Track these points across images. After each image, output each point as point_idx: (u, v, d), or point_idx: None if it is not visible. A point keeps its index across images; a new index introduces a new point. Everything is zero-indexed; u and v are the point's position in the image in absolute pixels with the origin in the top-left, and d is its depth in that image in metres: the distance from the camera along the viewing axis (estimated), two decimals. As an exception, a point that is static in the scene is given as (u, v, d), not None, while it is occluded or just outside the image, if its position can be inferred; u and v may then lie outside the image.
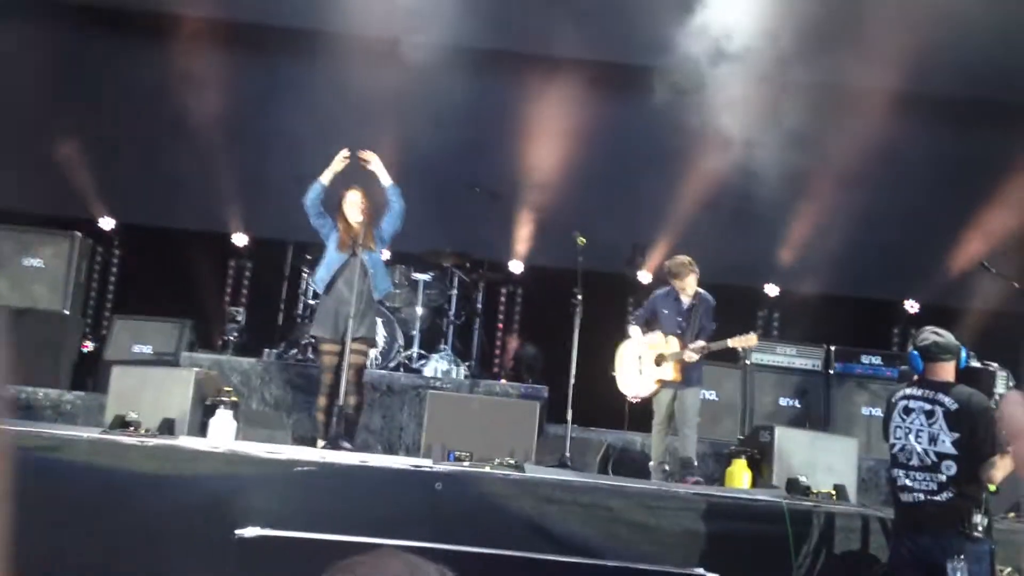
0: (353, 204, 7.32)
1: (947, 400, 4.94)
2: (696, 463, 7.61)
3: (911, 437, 4.99)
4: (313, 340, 7.92)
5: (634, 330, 7.91)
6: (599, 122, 10.50)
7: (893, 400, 5.19)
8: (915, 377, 5.21)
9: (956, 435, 4.87)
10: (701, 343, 7.56)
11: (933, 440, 4.92)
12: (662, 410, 7.68)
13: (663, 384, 7.64)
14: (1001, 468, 4.88)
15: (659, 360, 7.67)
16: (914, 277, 11.30)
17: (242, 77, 11.24)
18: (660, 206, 10.87)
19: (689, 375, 7.65)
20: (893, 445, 5.12)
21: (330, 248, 7.39)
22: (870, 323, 11.32)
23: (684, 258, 7.79)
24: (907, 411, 5.05)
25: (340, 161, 7.38)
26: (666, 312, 7.76)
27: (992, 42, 9.72)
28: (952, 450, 4.87)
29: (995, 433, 4.88)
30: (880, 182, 10.99)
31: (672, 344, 7.65)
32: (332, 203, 7.46)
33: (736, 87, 9.27)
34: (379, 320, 8.62)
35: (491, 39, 10.92)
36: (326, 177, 7.36)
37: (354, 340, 7.18)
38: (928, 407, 4.98)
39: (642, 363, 7.76)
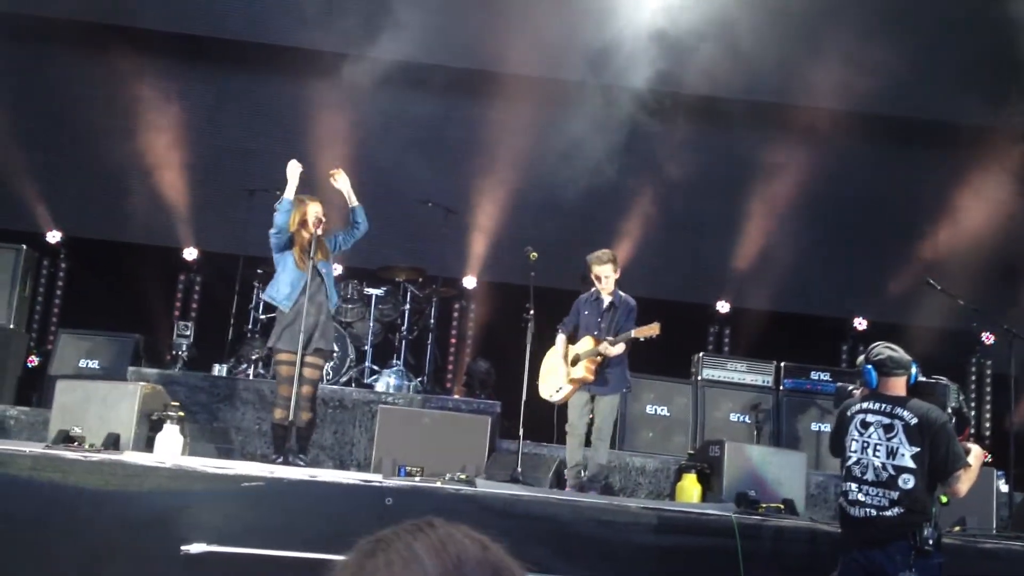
0: (315, 216, 7.23)
1: (906, 414, 4.94)
2: (607, 475, 7.55)
3: (868, 451, 4.99)
4: (270, 351, 7.72)
5: (561, 338, 7.68)
6: (552, 139, 10.55)
7: (848, 413, 5.16)
8: (864, 391, 5.22)
9: (916, 449, 4.88)
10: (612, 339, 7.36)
11: (892, 454, 4.92)
12: (575, 412, 7.48)
13: (578, 384, 7.44)
14: (966, 481, 4.94)
15: (574, 360, 7.49)
16: (862, 295, 11.47)
17: (193, 90, 11.19)
18: (613, 223, 10.94)
19: (605, 378, 7.44)
20: (848, 458, 5.09)
21: (289, 265, 7.20)
22: (819, 340, 11.44)
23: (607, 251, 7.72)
24: (864, 425, 5.04)
25: (294, 173, 7.25)
26: (586, 313, 7.62)
27: (938, 66, 9.95)
28: (911, 464, 4.88)
29: (956, 447, 4.91)
30: (828, 201, 11.17)
31: (585, 343, 7.48)
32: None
33: (678, 107, 9.37)
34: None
35: (446, 57, 10.95)
36: (290, 192, 7.23)
37: (314, 352, 7.12)
38: (887, 421, 4.97)
39: (559, 364, 7.62)
